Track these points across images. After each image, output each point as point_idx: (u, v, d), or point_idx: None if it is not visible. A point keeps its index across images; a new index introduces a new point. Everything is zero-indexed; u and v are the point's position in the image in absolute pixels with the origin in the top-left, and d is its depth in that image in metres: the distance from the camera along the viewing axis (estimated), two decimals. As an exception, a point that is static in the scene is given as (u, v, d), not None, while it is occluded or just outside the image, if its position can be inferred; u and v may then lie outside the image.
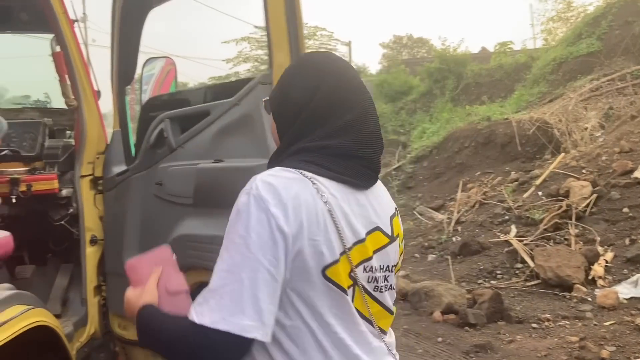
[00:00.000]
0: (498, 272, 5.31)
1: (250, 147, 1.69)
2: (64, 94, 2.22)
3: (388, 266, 1.09)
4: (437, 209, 7.89)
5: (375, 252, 1.05)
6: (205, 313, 0.92)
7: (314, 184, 0.97)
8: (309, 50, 1.40)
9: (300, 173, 0.98)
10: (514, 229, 5.91)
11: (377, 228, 1.07)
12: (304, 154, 1.02)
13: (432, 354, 3.84)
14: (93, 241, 2.27)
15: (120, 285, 2.18)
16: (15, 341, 1.43)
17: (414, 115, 13.78)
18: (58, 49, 2.13)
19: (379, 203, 1.09)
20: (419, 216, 7.77)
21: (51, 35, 2.16)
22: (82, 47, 2.40)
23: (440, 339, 4.07)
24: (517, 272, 5.23)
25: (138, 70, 2.40)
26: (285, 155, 1.05)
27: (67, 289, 2.30)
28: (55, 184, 2.22)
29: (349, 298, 1.01)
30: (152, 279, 1.11)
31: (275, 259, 0.92)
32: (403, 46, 31.09)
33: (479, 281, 5.21)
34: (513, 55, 14.46)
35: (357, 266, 1.01)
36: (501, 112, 9.96)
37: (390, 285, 1.10)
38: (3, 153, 2.19)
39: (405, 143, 12.13)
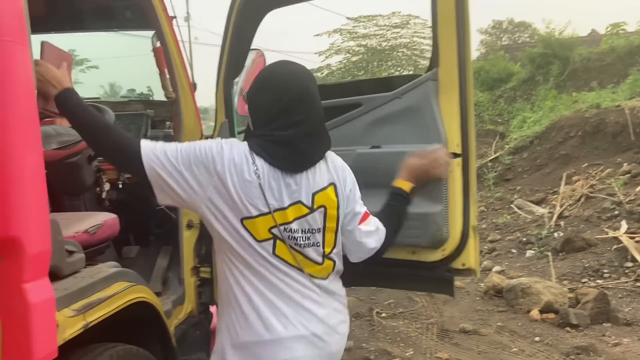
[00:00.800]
0: (605, 270, 5.05)
1: (411, 134, 1.98)
2: (164, 87, 2.39)
3: (311, 229, 1.50)
4: (537, 203, 7.57)
5: (295, 219, 1.48)
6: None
7: (253, 163, 1.44)
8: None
9: (250, 151, 1.46)
10: (624, 225, 5.57)
11: (299, 202, 1.48)
12: (258, 139, 1.49)
13: (528, 354, 3.76)
14: (190, 225, 2.43)
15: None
16: (118, 315, 1.61)
17: (513, 103, 13.20)
18: (158, 44, 2.32)
19: (307, 183, 1.49)
20: (517, 210, 7.50)
21: (152, 32, 2.37)
22: (184, 43, 2.59)
23: (537, 339, 3.97)
24: (626, 271, 4.94)
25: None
26: (250, 136, 1.54)
27: (167, 269, 2.50)
28: None
29: (268, 247, 1.47)
30: (65, 70, 1.58)
31: (196, 166, 1.44)
32: (503, 31, 29.73)
33: (583, 280, 4.99)
34: (627, 38, 13.31)
35: (278, 225, 1.46)
36: (612, 99, 9.30)
37: (316, 243, 1.52)
38: None
39: (503, 133, 11.68)
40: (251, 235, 1.46)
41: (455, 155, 1.97)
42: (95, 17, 2.54)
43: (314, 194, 1.50)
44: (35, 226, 1.21)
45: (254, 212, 1.44)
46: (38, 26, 2.67)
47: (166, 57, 2.30)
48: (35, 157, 1.23)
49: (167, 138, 2.48)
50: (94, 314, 1.53)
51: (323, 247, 1.54)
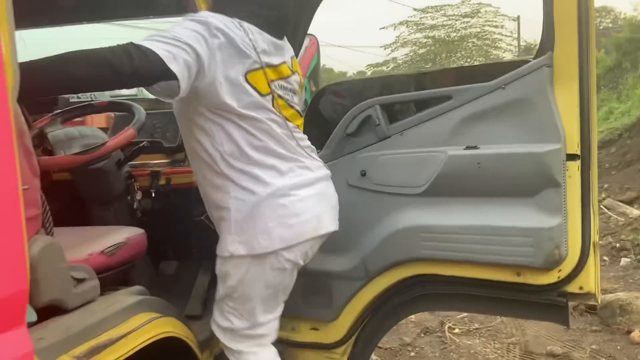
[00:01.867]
0: None
1: (517, 132, 1.67)
2: None
3: (292, 89, 1.67)
4: (628, 203, 6.85)
5: (283, 78, 1.62)
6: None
7: (245, 30, 1.52)
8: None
9: (237, 21, 1.52)
10: None
11: (284, 62, 1.64)
12: (239, 5, 1.57)
13: (633, 386, 3.25)
14: None
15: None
16: (141, 351, 1.42)
17: (597, 93, 12.19)
18: None
19: (288, 47, 1.70)
20: (607, 211, 6.80)
21: None
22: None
23: (643, 367, 3.44)
24: None
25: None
26: (227, 9, 1.55)
27: (208, 288, 2.27)
28: (193, 178, 2.19)
29: (268, 101, 1.57)
30: None
31: (205, 41, 1.43)
32: (582, 17, 28.00)
33: (693, 296, 4.33)
34: None
35: (274, 81, 1.59)
36: None
37: (295, 101, 1.70)
38: (142, 144, 2.16)
39: (587, 125, 10.79)
40: (256, 90, 1.54)
41: (574, 157, 1.64)
42: (129, 5, 2.32)
43: (292, 57, 1.71)
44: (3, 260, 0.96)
45: (256, 66, 1.53)
46: (70, 16, 2.54)
47: None
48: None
49: None
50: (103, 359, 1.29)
51: (299, 107, 1.73)
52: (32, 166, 1.31)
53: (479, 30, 21.73)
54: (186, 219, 2.24)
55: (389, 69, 21.21)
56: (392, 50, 21.97)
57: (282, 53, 1.64)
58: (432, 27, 21.75)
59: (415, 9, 21.85)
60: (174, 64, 1.33)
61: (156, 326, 1.57)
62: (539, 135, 1.61)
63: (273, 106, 1.57)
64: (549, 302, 1.72)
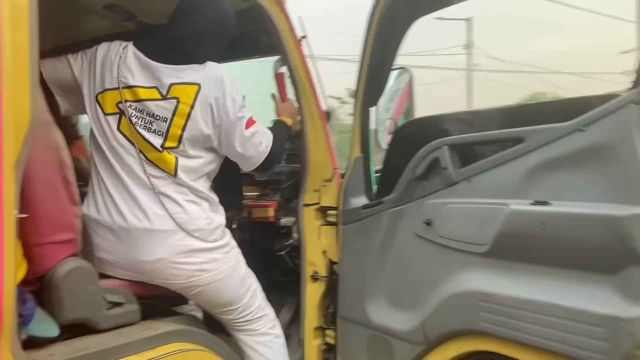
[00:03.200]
0: None
1: (598, 186, 1.33)
2: None
3: (157, 115, 1.66)
4: None
5: (145, 100, 1.66)
6: None
7: (123, 48, 1.71)
8: None
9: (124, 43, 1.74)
10: None
11: (156, 87, 1.67)
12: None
13: None
14: (315, 277, 2.13)
15: (355, 334, 1.99)
16: None
17: None
18: (281, 69, 2.09)
19: (168, 74, 1.67)
20: None
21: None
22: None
23: None
24: None
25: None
26: None
27: (288, 325, 2.23)
28: (270, 212, 2.18)
29: (112, 121, 1.68)
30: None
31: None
32: None
33: None
34: None
35: (125, 102, 1.66)
36: None
37: (158, 131, 1.67)
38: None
39: None
40: (101, 108, 1.68)
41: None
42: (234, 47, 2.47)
43: (171, 84, 1.66)
44: None
45: (107, 86, 1.68)
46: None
47: (293, 81, 2.05)
48: None
49: (293, 174, 2.21)
50: None
51: (164, 139, 1.66)
52: (71, 194, 1.46)
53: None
54: (268, 253, 2.27)
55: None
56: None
57: (158, 76, 1.67)
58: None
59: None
60: None
61: (185, 358, 1.61)
62: (623, 193, 1.25)
63: (118, 128, 1.67)
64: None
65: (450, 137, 1.71)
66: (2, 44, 1.15)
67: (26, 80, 1.23)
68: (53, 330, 1.42)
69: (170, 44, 1.70)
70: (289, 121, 2.02)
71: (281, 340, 1.95)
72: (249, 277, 1.89)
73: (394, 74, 2.15)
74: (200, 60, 1.71)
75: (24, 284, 1.42)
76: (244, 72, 2.63)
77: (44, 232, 1.41)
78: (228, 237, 1.82)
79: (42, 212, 1.40)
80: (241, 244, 2.27)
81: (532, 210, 1.40)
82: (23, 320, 1.34)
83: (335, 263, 2.14)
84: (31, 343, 1.39)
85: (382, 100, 2.14)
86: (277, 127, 1.94)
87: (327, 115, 2.18)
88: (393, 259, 1.87)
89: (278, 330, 1.96)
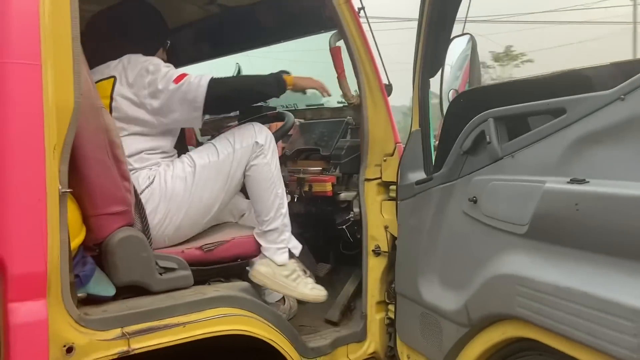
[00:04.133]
0: None
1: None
2: (343, 91, 2.14)
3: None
4: None
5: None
6: None
7: None
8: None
9: None
10: None
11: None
12: None
13: None
14: (376, 252, 2.11)
15: (410, 311, 1.98)
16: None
17: None
18: (337, 44, 2.05)
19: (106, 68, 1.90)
20: None
21: None
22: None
23: None
24: None
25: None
26: None
27: (351, 298, 2.25)
28: (327, 187, 2.17)
29: None
30: None
31: None
32: None
33: None
34: None
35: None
36: None
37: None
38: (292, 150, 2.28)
39: None
40: None
41: None
42: (291, 25, 2.48)
43: (96, 82, 1.80)
44: (20, 246, 1.25)
45: None
46: (237, 46, 2.87)
47: (350, 55, 2.03)
48: (28, 175, 1.27)
49: (354, 149, 2.20)
50: (148, 340, 1.49)
51: None
52: (122, 171, 1.64)
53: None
54: (331, 227, 2.32)
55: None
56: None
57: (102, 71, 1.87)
58: None
59: None
60: None
61: (228, 322, 1.72)
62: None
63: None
64: None
65: (496, 109, 1.59)
66: (42, 37, 1.32)
67: (69, 69, 1.39)
68: (109, 290, 1.62)
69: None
70: (290, 79, 2.01)
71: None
72: None
73: (463, 40, 2.03)
74: (113, 57, 1.92)
75: (85, 249, 1.64)
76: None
77: (99, 205, 1.60)
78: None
79: (96, 188, 1.59)
80: (303, 216, 2.36)
81: (564, 190, 1.27)
82: (80, 280, 1.55)
83: (397, 238, 2.12)
84: (90, 300, 1.60)
85: (450, 69, 2.04)
86: (257, 75, 2.03)
87: (387, 88, 2.14)
88: (443, 237, 1.81)
89: None
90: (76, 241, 1.54)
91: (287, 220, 1.97)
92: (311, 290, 1.97)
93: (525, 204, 1.43)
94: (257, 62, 2.90)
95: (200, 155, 1.90)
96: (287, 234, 1.96)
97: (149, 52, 1.92)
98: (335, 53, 2.10)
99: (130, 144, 1.82)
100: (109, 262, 1.62)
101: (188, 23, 2.80)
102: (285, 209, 1.96)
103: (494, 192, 1.57)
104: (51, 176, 1.33)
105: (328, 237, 2.42)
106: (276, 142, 2.24)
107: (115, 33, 1.92)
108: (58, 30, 1.37)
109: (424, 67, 1.96)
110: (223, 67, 2.95)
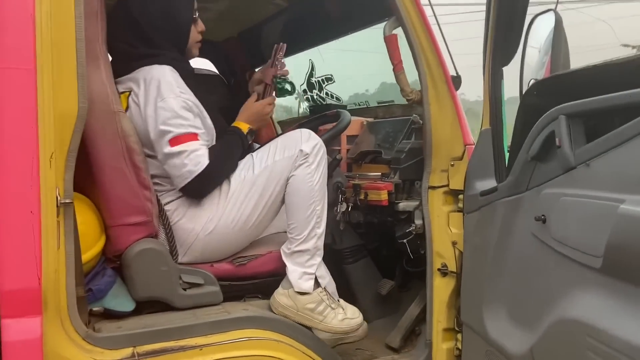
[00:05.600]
0: None
1: None
2: (400, 85, 1.84)
3: None
4: None
5: None
6: None
7: None
8: None
9: None
10: None
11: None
12: None
13: None
14: (443, 272, 1.80)
15: (475, 346, 1.68)
16: None
17: None
18: (392, 31, 1.76)
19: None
20: None
21: None
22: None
23: None
24: None
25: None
26: None
27: (415, 321, 1.95)
28: (382, 195, 1.88)
29: None
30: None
31: None
32: None
33: None
34: None
35: None
36: None
37: None
38: (335, 157, 2.02)
39: None
40: None
41: None
42: (346, 20, 2.23)
43: (120, 93, 1.65)
44: (11, 261, 1.20)
45: None
46: (296, 46, 2.65)
47: (408, 42, 1.77)
48: (18, 186, 1.22)
49: (416, 152, 1.92)
50: None
51: None
52: (141, 179, 1.55)
53: None
54: (393, 239, 2.07)
55: None
56: None
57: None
58: None
59: None
60: None
61: (253, 346, 1.58)
62: None
63: None
64: None
65: (570, 103, 1.25)
66: (38, 40, 1.26)
67: (73, 73, 1.33)
68: (126, 305, 1.55)
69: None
70: (244, 127, 1.77)
71: None
72: None
73: (548, 18, 1.66)
74: (130, 70, 1.72)
75: (107, 261, 1.58)
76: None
77: (116, 215, 1.53)
78: None
79: (113, 197, 1.52)
80: (363, 226, 2.12)
81: (642, 214, 0.92)
82: (93, 294, 1.49)
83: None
84: (109, 315, 1.55)
85: (534, 54, 1.69)
86: (225, 141, 1.72)
87: (455, 80, 1.84)
88: (510, 262, 1.49)
89: None
90: (91, 252, 1.48)
91: (320, 243, 1.73)
92: (341, 321, 1.72)
93: (599, 228, 1.09)
94: (328, 56, 2.72)
95: (237, 169, 1.73)
96: (318, 260, 1.72)
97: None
98: (390, 42, 1.84)
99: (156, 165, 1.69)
100: (127, 275, 1.55)
101: (262, 21, 2.70)
102: (321, 230, 1.72)
103: (564, 210, 1.23)
104: (47, 186, 1.27)
105: (392, 250, 2.16)
106: (327, 144, 2.05)
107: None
108: (60, 32, 1.31)
109: (495, 53, 1.64)
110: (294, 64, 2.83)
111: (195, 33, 1.81)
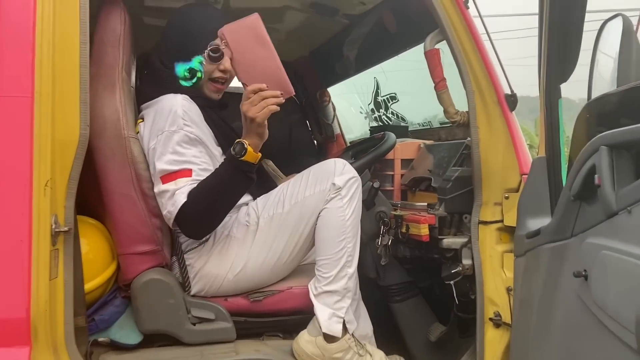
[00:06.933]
0: None
1: None
2: (442, 105, 1.63)
3: None
4: None
5: None
6: None
7: None
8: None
9: None
10: None
11: None
12: None
13: None
14: (496, 322, 1.54)
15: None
16: None
17: None
18: (436, 46, 1.56)
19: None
20: None
21: None
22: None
23: None
24: None
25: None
26: None
27: None
28: (422, 230, 1.64)
29: None
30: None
31: None
32: None
33: None
34: None
35: None
36: None
37: None
38: (373, 184, 1.85)
39: None
40: None
41: None
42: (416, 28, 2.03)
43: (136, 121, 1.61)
44: None
45: None
46: (371, 59, 2.46)
47: (454, 56, 1.57)
48: (7, 214, 1.22)
49: (465, 181, 1.68)
50: None
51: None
52: (151, 207, 1.51)
53: None
54: (435, 279, 1.85)
55: None
56: None
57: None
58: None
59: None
60: None
61: None
62: None
63: None
64: None
65: (613, 131, 0.99)
66: (37, 68, 1.27)
67: (75, 99, 1.32)
68: (132, 338, 1.51)
69: None
70: (251, 153, 1.44)
71: None
72: None
73: (612, 25, 1.38)
74: (147, 99, 1.65)
75: (119, 289, 1.56)
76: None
77: (124, 244, 1.50)
78: None
79: (122, 224, 1.50)
80: (409, 261, 1.92)
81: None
82: (95, 324, 1.47)
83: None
84: (117, 346, 1.52)
85: (601, 68, 1.42)
86: (213, 174, 1.47)
87: (510, 100, 1.60)
88: (556, 321, 1.23)
89: None
90: (97, 280, 1.47)
91: (352, 284, 1.56)
92: None
93: (636, 296, 0.83)
94: (391, 74, 2.56)
95: (266, 206, 1.60)
96: (348, 302, 1.55)
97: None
98: (431, 57, 1.66)
99: None
100: (134, 306, 1.51)
101: (327, 41, 2.62)
102: (353, 270, 1.55)
103: (604, 267, 0.98)
104: (41, 214, 1.27)
105: (445, 291, 1.93)
106: (363, 170, 1.88)
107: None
108: (64, 58, 1.31)
109: (549, 68, 1.39)
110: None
111: (212, 69, 1.62)
